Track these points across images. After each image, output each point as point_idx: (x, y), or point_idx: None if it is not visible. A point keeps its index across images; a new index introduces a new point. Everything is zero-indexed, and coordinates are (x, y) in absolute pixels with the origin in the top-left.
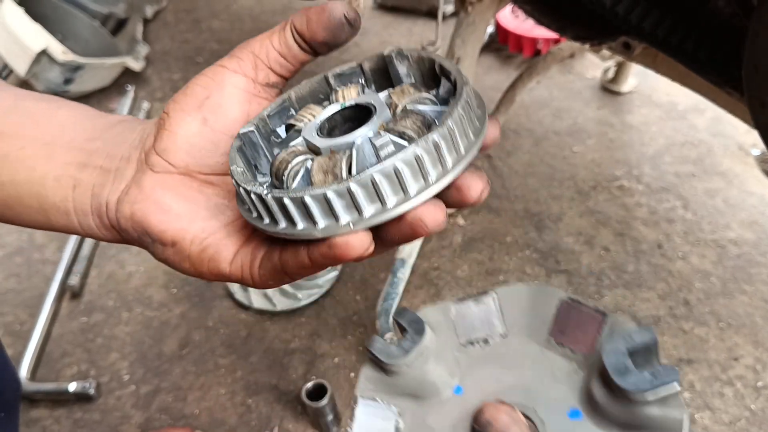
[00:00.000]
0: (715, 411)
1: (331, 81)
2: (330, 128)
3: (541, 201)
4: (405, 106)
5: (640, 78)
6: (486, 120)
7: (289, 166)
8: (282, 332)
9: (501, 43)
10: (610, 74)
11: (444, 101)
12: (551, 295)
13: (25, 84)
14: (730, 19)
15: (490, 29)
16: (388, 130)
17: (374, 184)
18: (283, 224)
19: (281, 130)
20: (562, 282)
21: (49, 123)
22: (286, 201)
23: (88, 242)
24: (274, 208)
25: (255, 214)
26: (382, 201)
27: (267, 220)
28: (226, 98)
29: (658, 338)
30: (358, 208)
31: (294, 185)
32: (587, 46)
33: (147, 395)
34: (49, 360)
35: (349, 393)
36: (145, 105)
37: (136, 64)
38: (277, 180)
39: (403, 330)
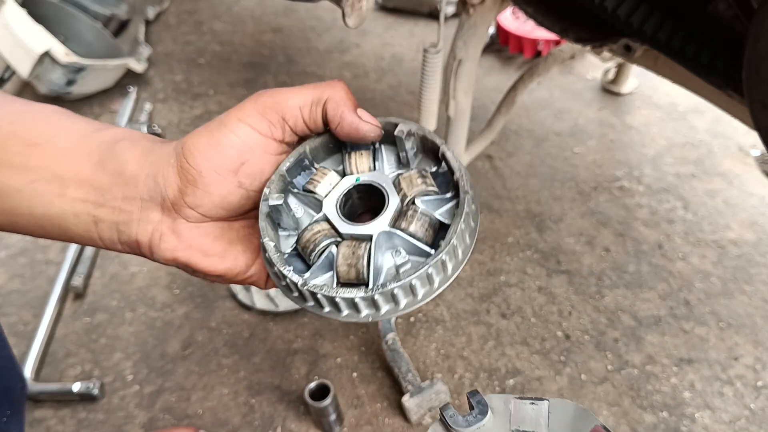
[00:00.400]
0: (715, 410)
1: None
2: (346, 201)
3: (542, 201)
4: (414, 202)
5: (640, 79)
6: (478, 221)
7: (317, 248)
8: (285, 333)
9: (502, 45)
10: (611, 75)
11: (442, 184)
12: (590, 420)
13: (27, 85)
14: (730, 23)
15: (491, 30)
16: (401, 229)
17: (393, 294)
18: (311, 303)
19: (298, 181)
20: (563, 282)
21: (53, 149)
22: (320, 296)
23: None
24: (307, 294)
25: (284, 283)
26: (397, 303)
27: (296, 294)
28: (260, 164)
29: (661, 338)
30: (377, 307)
31: (318, 262)
32: (588, 47)
33: (151, 395)
34: (53, 360)
35: (351, 393)
36: (147, 106)
37: (138, 66)
38: (303, 252)
39: (471, 407)
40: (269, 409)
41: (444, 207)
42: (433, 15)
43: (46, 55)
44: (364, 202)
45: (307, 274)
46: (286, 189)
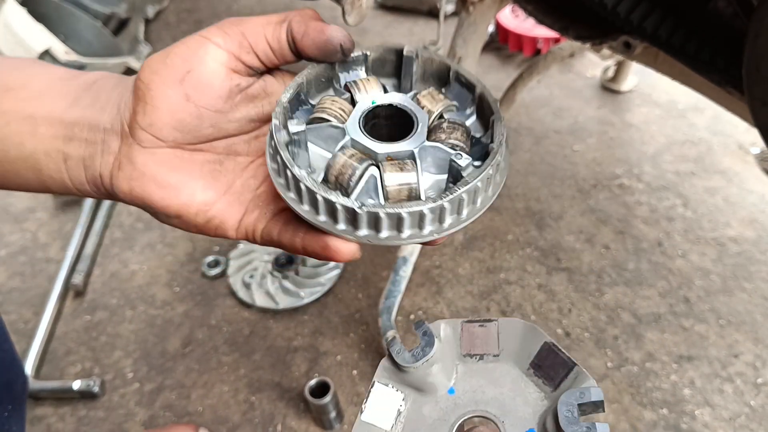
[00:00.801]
0: (715, 407)
1: (336, 67)
2: (367, 126)
3: (542, 199)
4: (444, 116)
5: (639, 77)
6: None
7: (356, 173)
8: (285, 330)
9: (501, 43)
10: (610, 73)
11: (461, 106)
12: (539, 336)
13: None
14: (731, 20)
15: (491, 29)
16: (441, 141)
17: (460, 201)
18: (364, 231)
19: (298, 116)
20: (562, 279)
21: (27, 92)
22: (382, 215)
23: (92, 241)
24: (364, 219)
25: (322, 219)
26: (460, 213)
27: (342, 226)
28: (208, 74)
29: (661, 335)
30: (441, 220)
31: (358, 189)
32: (588, 45)
33: (151, 393)
34: (53, 358)
35: (351, 390)
36: None
37: (138, 64)
38: (337, 181)
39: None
40: (269, 406)
41: (468, 121)
42: (433, 13)
43: (46, 54)
44: (385, 129)
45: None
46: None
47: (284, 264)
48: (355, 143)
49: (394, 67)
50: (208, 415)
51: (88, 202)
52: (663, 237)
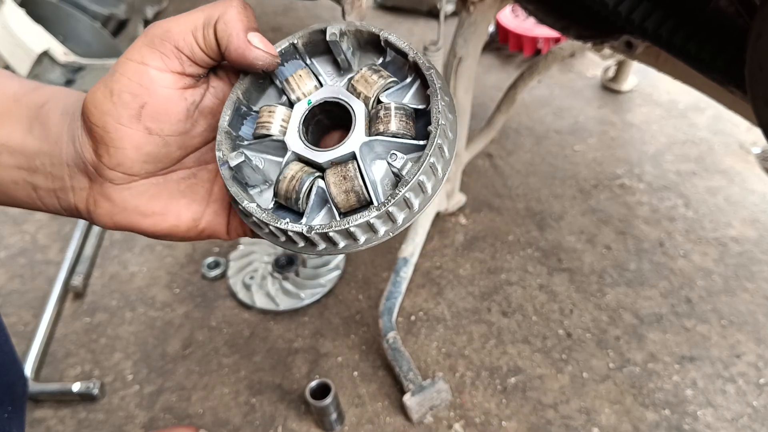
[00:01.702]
0: (718, 408)
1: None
2: (306, 130)
3: (543, 200)
4: (380, 100)
5: (640, 76)
6: (451, 96)
7: (302, 190)
8: (285, 332)
9: (501, 43)
10: (611, 73)
11: (396, 72)
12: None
13: None
14: (733, 19)
15: (491, 29)
16: (381, 133)
17: (405, 200)
18: (323, 246)
19: (244, 132)
20: (564, 280)
21: None
22: (332, 234)
23: (91, 243)
24: (317, 239)
25: (283, 239)
26: (410, 206)
27: (302, 245)
28: (163, 102)
29: (663, 336)
30: (393, 220)
31: (310, 204)
32: (589, 45)
33: (151, 395)
34: (52, 360)
35: (352, 392)
36: None
37: None
38: (287, 201)
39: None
40: (270, 408)
41: (409, 93)
42: (433, 13)
43: (45, 55)
44: (327, 123)
45: (304, 220)
46: (236, 145)
47: (284, 265)
48: (298, 156)
49: (327, 46)
50: (209, 417)
51: None
52: (664, 237)
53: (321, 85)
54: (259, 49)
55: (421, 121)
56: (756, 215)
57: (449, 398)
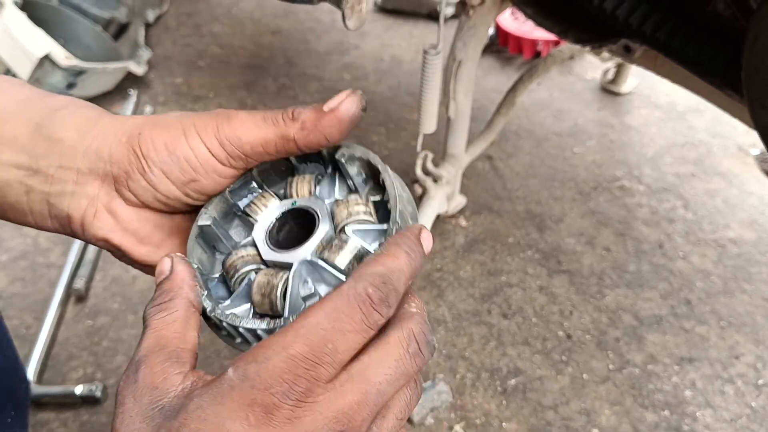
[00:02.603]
0: (717, 409)
1: (292, 158)
2: (281, 227)
3: (543, 202)
4: (344, 230)
5: (639, 79)
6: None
7: (237, 275)
8: None
9: (501, 45)
10: (610, 75)
11: (385, 215)
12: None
13: None
14: (729, 23)
15: (490, 31)
16: (324, 260)
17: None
18: (224, 332)
19: (243, 203)
20: (564, 282)
21: None
22: (225, 325)
23: (93, 246)
24: (215, 322)
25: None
26: None
27: (211, 322)
28: (213, 185)
29: (662, 337)
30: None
31: (239, 290)
32: (588, 48)
33: None
34: (55, 363)
35: None
36: (148, 109)
37: (138, 69)
38: (226, 276)
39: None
40: None
41: (377, 238)
42: (432, 16)
43: (46, 59)
44: (301, 228)
45: (227, 302)
46: (229, 211)
47: None
48: (254, 242)
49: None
50: None
51: None
52: (664, 239)
53: (316, 194)
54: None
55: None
56: (754, 217)
57: (450, 400)
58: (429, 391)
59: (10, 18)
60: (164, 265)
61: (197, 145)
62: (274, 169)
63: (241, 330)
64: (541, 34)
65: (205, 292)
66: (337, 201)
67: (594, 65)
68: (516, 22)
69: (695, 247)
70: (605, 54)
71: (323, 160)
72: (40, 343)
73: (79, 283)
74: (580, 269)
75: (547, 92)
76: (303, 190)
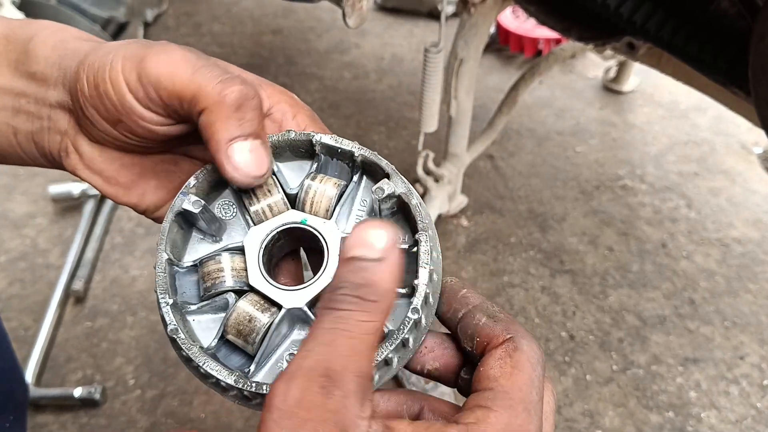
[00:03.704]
0: (722, 410)
1: (317, 145)
2: (277, 239)
3: (545, 201)
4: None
5: (641, 77)
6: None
7: (213, 289)
8: None
9: (502, 44)
10: (612, 74)
11: (409, 265)
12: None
13: None
14: (734, 20)
15: (492, 30)
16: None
17: (256, 390)
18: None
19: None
20: (566, 282)
21: None
22: (196, 362)
23: (92, 246)
24: (173, 339)
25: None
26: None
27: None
28: (138, 126)
29: (666, 338)
30: (245, 398)
31: (209, 302)
32: (590, 46)
33: (153, 399)
34: (54, 365)
35: None
36: None
37: None
38: (203, 281)
39: None
40: None
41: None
42: (433, 15)
43: None
44: (302, 243)
45: (192, 307)
46: (218, 182)
47: None
48: (244, 254)
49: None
50: (211, 421)
51: (88, 208)
52: (667, 238)
53: (333, 211)
54: (236, 170)
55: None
56: (758, 216)
57: (452, 401)
58: (431, 393)
59: (8, 17)
60: None
61: (116, 79)
62: (292, 147)
63: (202, 371)
64: (542, 33)
65: (170, 301)
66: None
67: (596, 64)
68: (517, 21)
69: (699, 246)
70: (607, 52)
71: (353, 163)
72: (38, 345)
73: (78, 285)
74: (582, 269)
75: (548, 91)
76: (320, 206)
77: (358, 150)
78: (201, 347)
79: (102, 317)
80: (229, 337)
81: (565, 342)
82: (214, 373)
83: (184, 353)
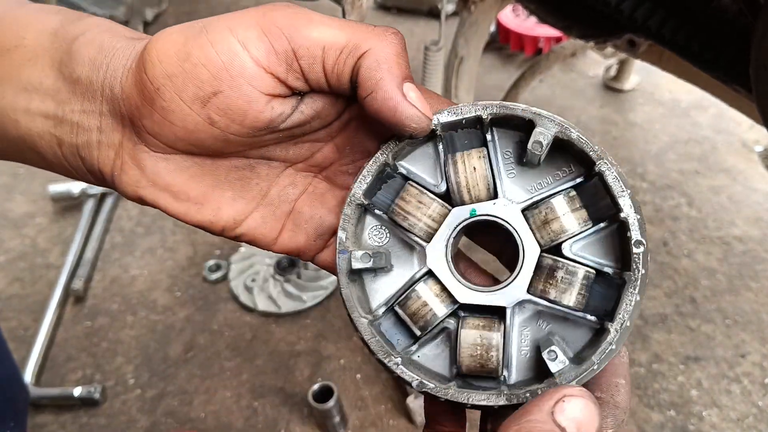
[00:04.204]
0: (723, 408)
1: (438, 127)
2: (454, 247)
3: None
4: (562, 253)
5: (642, 75)
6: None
7: (429, 327)
8: (287, 334)
9: (502, 42)
10: (613, 72)
11: (590, 205)
12: None
13: None
14: (736, 18)
15: (492, 28)
16: (550, 300)
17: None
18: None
19: (379, 198)
20: None
21: (21, 54)
22: (461, 400)
23: (92, 246)
24: (407, 377)
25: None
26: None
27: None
28: (243, 103)
29: (667, 336)
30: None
31: (429, 337)
32: (591, 43)
33: (152, 399)
34: (53, 365)
35: (355, 394)
36: None
37: None
38: (410, 317)
39: None
40: (273, 411)
41: (598, 246)
42: (433, 13)
43: None
44: (480, 237)
45: (413, 348)
46: (363, 211)
47: (286, 267)
48: (436, 276)
49: (518, 125)
50: (211, 421)
51: (88, 207)
52: (668, 236)
53: (493, 178)
54: (415, 108)
55: (595, 289)
56: (759, 214)
57: None
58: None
59: None
60: None
61: (222, 37)
62: (407, 145)
63: (470, 404)
64: (542, 31)
65: (399, 360)
66: (536, 205)
67: (596, 62)
68: (517, 19)
69: (700, 244)
70: (608, 50)
71: (481, 125)
72: (38, 345)
73: (78, 284)
74: None
75: (549, 89)
76: (479, 189)
77: (484, 111)
78: (448, 380)
79: (102, 317)
80: (464, 370)
81: None
82: (482, 403)
83: (441, 398)
